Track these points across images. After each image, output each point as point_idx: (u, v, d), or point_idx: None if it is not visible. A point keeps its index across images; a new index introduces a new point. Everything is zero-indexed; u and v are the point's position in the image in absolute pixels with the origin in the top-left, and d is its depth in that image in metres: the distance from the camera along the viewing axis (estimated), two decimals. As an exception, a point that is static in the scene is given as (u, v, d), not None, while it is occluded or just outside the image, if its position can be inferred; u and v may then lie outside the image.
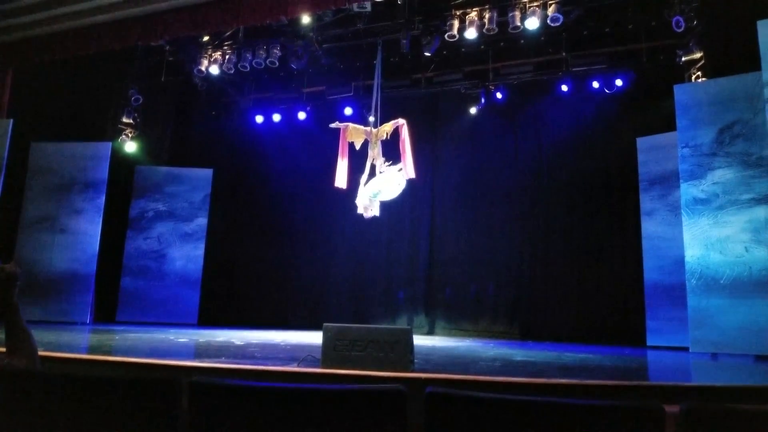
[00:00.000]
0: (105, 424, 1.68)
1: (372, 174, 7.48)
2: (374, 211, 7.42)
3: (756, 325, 6.85)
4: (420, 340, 6.53)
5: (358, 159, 7.78)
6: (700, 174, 7.59)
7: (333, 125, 8.01)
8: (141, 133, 11.67)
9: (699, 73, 8.61)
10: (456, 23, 9.04)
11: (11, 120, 9.44)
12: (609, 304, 9.53)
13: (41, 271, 10.08)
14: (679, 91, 8.04)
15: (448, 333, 10.43)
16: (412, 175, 7.64)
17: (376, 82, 8.36)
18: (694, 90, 8.10)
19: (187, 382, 1.65)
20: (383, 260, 11.25)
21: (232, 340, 7.42)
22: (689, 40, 8.68)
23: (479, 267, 10.59)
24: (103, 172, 10.59)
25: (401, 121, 7.63)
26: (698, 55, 8.63)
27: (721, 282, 7.20)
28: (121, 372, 4.23)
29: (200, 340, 7.55)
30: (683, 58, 8.80)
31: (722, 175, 7.41)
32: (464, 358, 6.35)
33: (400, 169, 7.30)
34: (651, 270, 8.81)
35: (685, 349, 7.53)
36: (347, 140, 7.71)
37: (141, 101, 11.34)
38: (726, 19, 8.08)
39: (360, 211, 7.45)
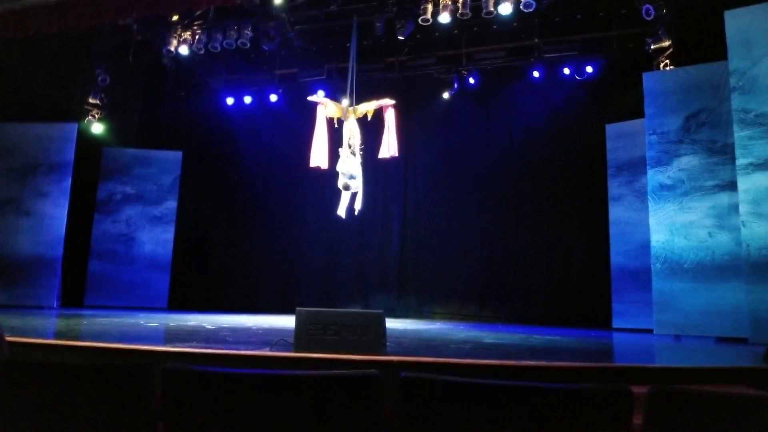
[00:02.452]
0: (77, 412, 1.67)
1: (345, 153, 7.39)
2: (354, 188, 7.30)
3: (717, 308, 7.10)
4: (391, 323, 6.57)
5: (334, 137, 7.71)
6: (667, 161, 7.77)
7: (311, 98, 7.89)
8: (108, 114, 11.36)
9: (667, 61, 8.76)
10: (430, 7, 9.00)
11: (-29, 99, 9.14)
12: (576, 288, 9.73)
13: (5, 255, 9.85)
14: (648, 79, 8.19)
15: (419, 316, 10.52)
16: (395, 153, 7.58)
17: (352, 64, 8.26)
18: (663, 78, 8.26)
19: (160, 368, 1.64)
20: (355, 244, 11.26)
21: (203, 325, 7.36)
22: (658, 29, 8.81)
23: (450, 250, 10.69)
24: (69, 153, 10.34)
25: (389, 101, 7.52)
26: (667, 43, 8.77)
27: (685, 266, 7.42)
28: (91, 357, 4.18)
29: (171, 324, 7.48)
30: (652, 46, 8.93)
31: (688, 161, 7.61)
32: (435, 340, 6.42)
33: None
34: (617, 254, 9.02)
35: (650, 331, 7.75)
36: (325, 116, 7.58)
37: (108, 81, 11.03)
38: (694, 9, 8.23)
39: (340, 185, 7.33)
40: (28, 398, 1.65)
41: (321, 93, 10.85)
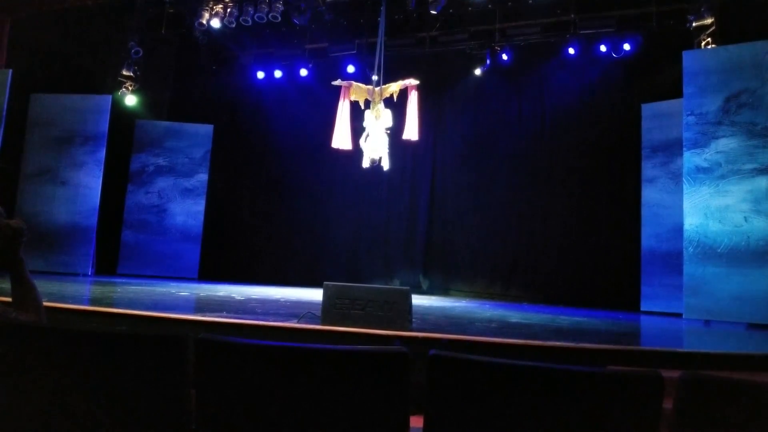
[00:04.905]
0: (111, 379, 1.72)
1: (372, 134, 7.41)
2: (383, 161, 7.34)
3: (750, 293, 6.94)
4: (416, 300, 6.62)
5: (359, 118, 7.70)
6: (704, 142, 7.55)
7: (335, 83, 7.89)
8: (141, 86, 11.50)
9: (709, 39, 8.45)
10: (464, -20, 8.83)
11: (10, 70, 9.31)
12: (604, 269, 9.60)
13: (43, 223, 10.11)
14: (688, 58, 7.92)
15: (445, 293, 10.55)
16: (415, 137, 7.57)
17: (380, 39, 8.19)
18: (703, 57, 7.98)
19: (193, 338, 1.68)
20: (382, 220, 11.29)
21: (233, 295, 7.51)
22: (701, 5, 8.50)
23: (477, 229, 10.65)
24: (104, 125, 10.51)
25: (414, 81, 7.47)
26: (709, 20, 8.46)
27: (719, 251, 7.25)
28: (125, 324, 4.30)
29: (201, 294, 7.65)
30: (694, 24, 8.63)
31: (726, 144, 7.37)
32: (460, 318, 6.45)
33: (387, 130, 7.28)
34: (648, 237, 8.87)
35: (679, 315, 7.64)
36: (350, 99, 7.60)
37: (141, 54, 11.13)
38: (740, -15, 7.91)
39: (366, 163, 7.38)
40: (64, 364, 1.71)
41: (351, 68, 10.84)
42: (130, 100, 11.31)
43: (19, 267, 2.04)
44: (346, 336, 4.14)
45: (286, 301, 7.16)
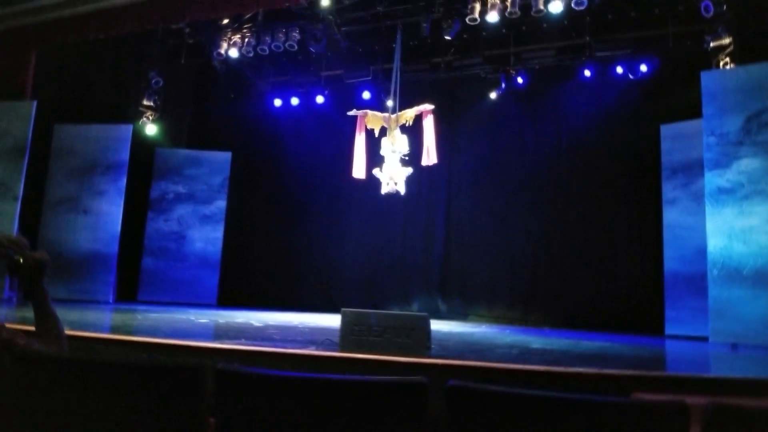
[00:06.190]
0: (131, 408, 1.72)
1: (389, 161, 7.46)
2: (399, 186, 7.40)
3: (778, 316, 6.76)
4: (435, 325, 6.51)
5: (377, 146, 7.76)
6: (726, 163, 7.44)
7: (351, 113, 7.98)
8: (161, 115, 11.72)
9: (727, 59, 8.40)
10: (477, 6, 8.89)
11: (35, 102, 9.56)
12: (626, 292, 9.46)
13: (65, 251, 10.24)
14: (706, 78, 7.86)
15: (463, 318, 10.43)
16: (435, 161, 7.60)
17: (396, 66, 8.30)
18: (722, 77, 7.92)
19: (212, 368, 1.68)
20: (398, 245, 11.27)
21: (251, 322, 7.50)
22: (718, 26, 8.47)
23: (495, 253, 10.56)
24: (125, 154, 10.67)
25: (429, 106, 7.53)
26: (727, 40, 8.42)
27: (744, 273, 7.09)
28: (145, 352, 4.31)
29: (220, 321, 7.65)
30: (711, 44, 8.58)
31: (748, 164, 7.26)
32: (480, 344, 6.36)
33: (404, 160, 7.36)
34: (671, 259, 8.72)
35: (705, 338, 7.47)
36: (367, 127, 7.68)
37: (161, 84, 11.36)
38: (757, 4, 7.88)
39: (384, 190, 7.44)
40: (86, 395, 1.72)
41: (366, 95, 10.95)
42: (151, 129, 11.51)
43: (43, 297, 2.06)
44: (364, 363, 4.10)
45: (304, 328, 7.14)
